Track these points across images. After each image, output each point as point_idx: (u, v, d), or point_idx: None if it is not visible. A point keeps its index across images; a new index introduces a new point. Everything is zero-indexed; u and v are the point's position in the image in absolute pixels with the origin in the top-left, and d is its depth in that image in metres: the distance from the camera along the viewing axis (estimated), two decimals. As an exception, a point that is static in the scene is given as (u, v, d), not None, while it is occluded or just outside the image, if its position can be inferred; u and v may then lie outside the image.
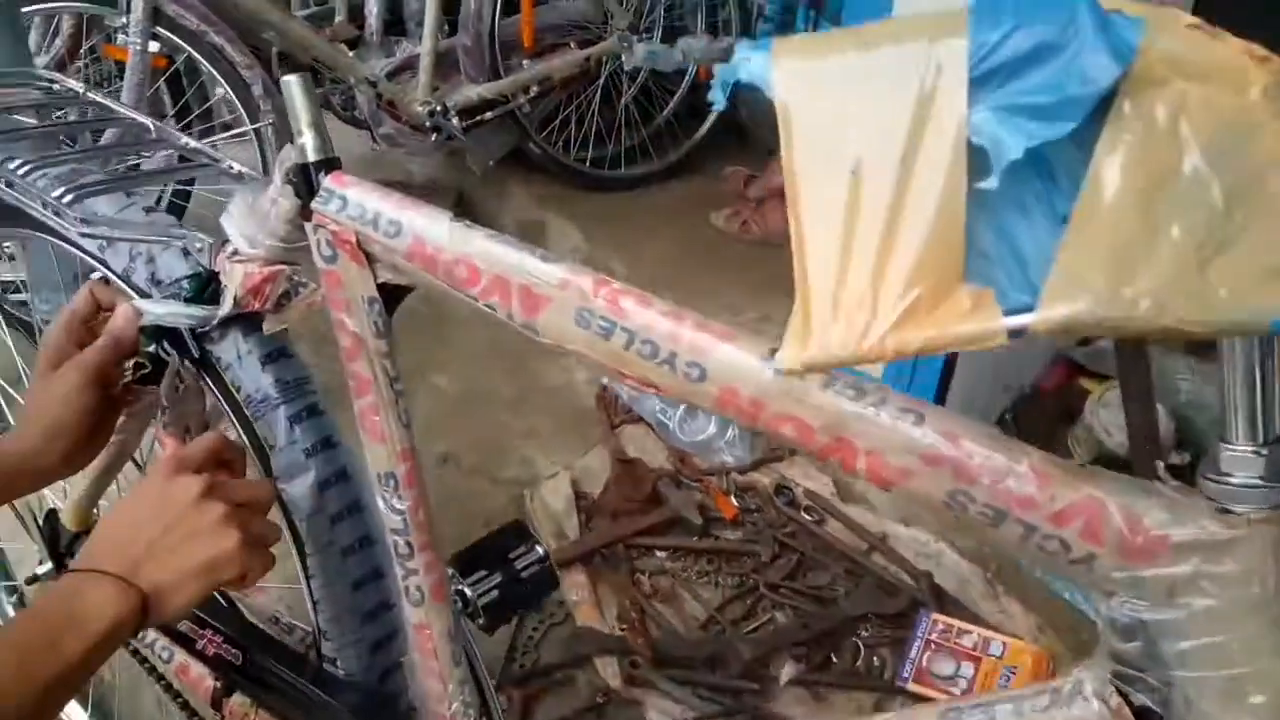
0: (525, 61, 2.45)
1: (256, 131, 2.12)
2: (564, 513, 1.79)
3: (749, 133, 2.83)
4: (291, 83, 0.71)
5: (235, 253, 0.77)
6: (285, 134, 2.12)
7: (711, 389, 0.59)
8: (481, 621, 0.95)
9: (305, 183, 0.73)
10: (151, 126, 0.94)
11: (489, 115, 2.42)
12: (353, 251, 0.72)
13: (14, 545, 1.29)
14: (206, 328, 0.80)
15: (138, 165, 1.11)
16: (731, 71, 0.46)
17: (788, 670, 1.49)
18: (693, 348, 0.60)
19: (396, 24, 2.57)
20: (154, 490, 0.70)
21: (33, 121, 0.93)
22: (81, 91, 0.99)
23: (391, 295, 0.75)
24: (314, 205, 0.72)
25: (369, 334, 0.75)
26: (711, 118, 2.77)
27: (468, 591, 0.93)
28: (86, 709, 1.26)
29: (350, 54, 2.38)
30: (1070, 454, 1.66)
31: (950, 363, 1.54)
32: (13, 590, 1.28)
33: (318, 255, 0.74)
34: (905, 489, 0.55)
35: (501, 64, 2.42)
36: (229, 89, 2.10)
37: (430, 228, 0.68)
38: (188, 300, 0.80)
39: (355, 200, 0.71)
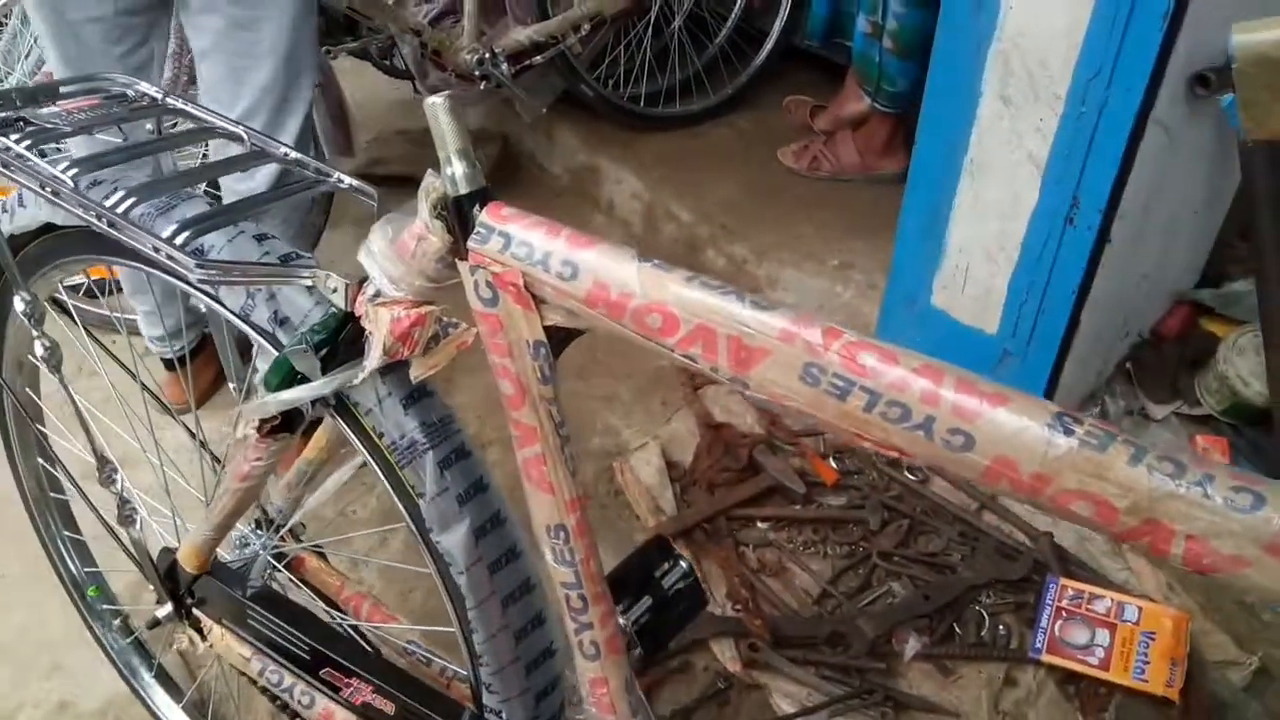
0: (574, -2, 2.31)
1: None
2: (658, 485, 1.73)
3: (811, 59, 2.67)
4: (436, 105, 0.62)
5: (377, 294, 0.69)
6: (331, 99, 2.01)
7: (980, 460, 0.51)
8: (638, 650, 0.89)
9: (457, 217, 0.64)
10: (245, 137, 0.85)
11: (538, 58, 2.29)
12: (518, 294, 0.63)
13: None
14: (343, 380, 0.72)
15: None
16: None
17: (912, 644, 1.44)
18: (957, 411, 0.51)
19: (433, -36, 2.42)
20: None
21: (117, 141, 0.84)
22: (160, 98, 0.89)
23: (559, 337, 0.67)
24: (471, 244, 0.63)
25: (533, 380, 0.67)
26: (768, 45, 2.61)
27: (620, 620, 0.87)
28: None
29: (389, 0, 2.25)
30: (1200, 404, 1.57)
31: (1076, 313, 1.44)
32: (116, 614, 1.24)
33: (475, 297, 0.65)
34: (1236, 578, 0.47)
35: (549, 2, 2.27)
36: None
37: (615, 270, 0.59)
38: (319, 345, 0.72)
39: (520, 238, 0.62)
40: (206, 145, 1.50)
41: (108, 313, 1.94)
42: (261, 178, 1.41)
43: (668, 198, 2.37)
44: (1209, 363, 1.55)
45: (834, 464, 1.73)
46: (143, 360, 1.71)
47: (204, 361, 1.81)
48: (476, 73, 2.24)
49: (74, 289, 2.02)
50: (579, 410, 1.94)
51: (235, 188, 1.45)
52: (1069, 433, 0.49)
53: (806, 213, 2.23)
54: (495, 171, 2.61)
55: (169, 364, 1.81)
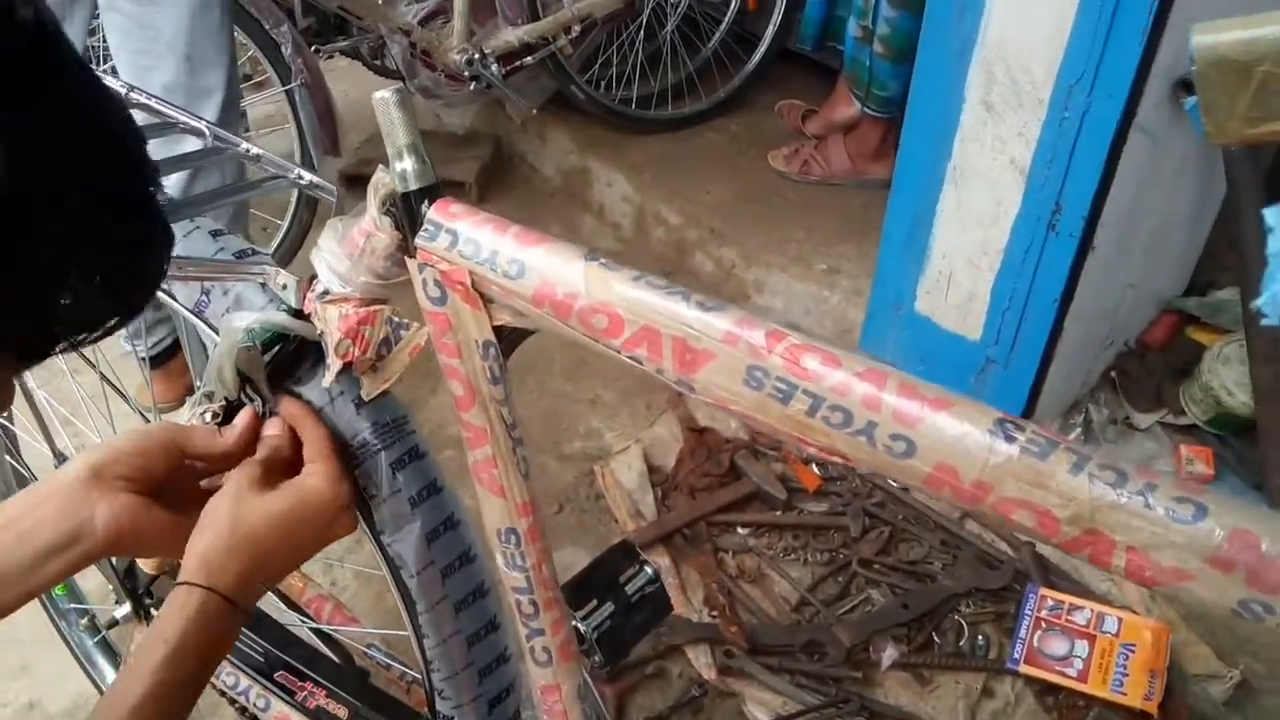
0: (565, -1, 2.30)
1: (288, 93, 1.99)
2: (638, 489, 1.71)
3: (804, 62, 2.67)
4: (387, 99, 0.61)
5: (326, 292, 0.67)
6: (319, 99, 2.00)
7: (922, 466, 0.50)
8: (598, 658, 0.88)
9: (406, 213, 0.63)
10: (206, 132, 0.84)
11: (529, 59, 2.28)
12: (466, 293, 0.62)
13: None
14: (294, 377, 0.71)
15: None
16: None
17: (889, 653, 1.42)
18: (898, 417, 0.50)
19: (425, -36, 2.42)
20: (313, 530, 0.67)
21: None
22: (124, 93, 0.88)
23: (510, 336, 0.65)
24: (419, 241, 0.62)
25: (483, 381, 0.66)
26: (762, 48, 2.60)
27: (580, 626, 0.86)
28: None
29: (379, 0, 2.24)
30: (1185, 413, 1.56)
31: (1059, 321, 1.43)
32: (83, 614, 1.23)
33: (423, 296, 0.64)
34: (1178, 590, 0.46)
35: (540, 3, 2.26)
36: (257, 48, 1.97)
37: (562, 269, 0.58)
38: (266, 347, 0.71)
39: (468, 235, 0.61)
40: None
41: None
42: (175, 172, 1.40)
43: (658, 201, 2.36)
44: (1194, 372, 1.54)
45: (816, 470, 1.71)
46: (142, 360, 1.70)
47: (183, 362, 1.80)
48: (466, 73, 2.23)
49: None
50: (563, 412, 1.93)
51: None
52: (1010, 439, 0.48)
53: (796, 217, 2.22)
54: (487, 172, 2.60)
55: (148, 363, 1.80)
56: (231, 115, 1.54)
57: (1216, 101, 0.63)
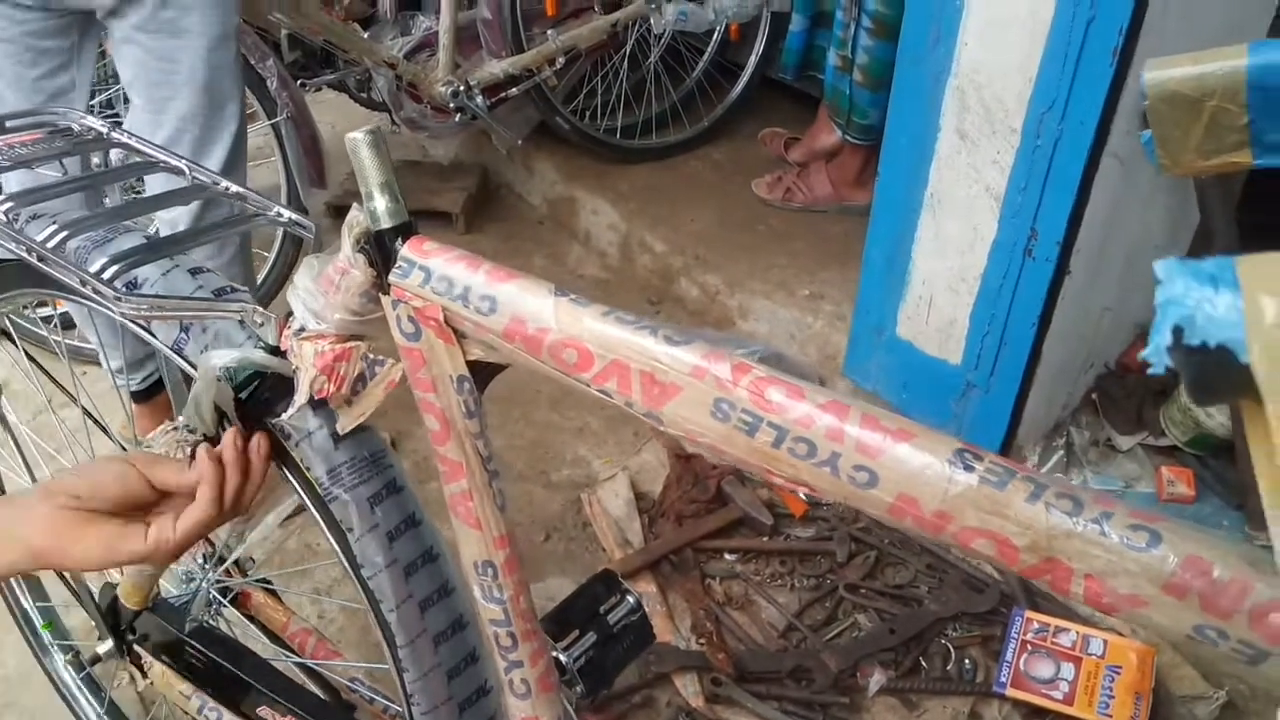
0: (549, 31, 2.32)
1: (274, 126, 2.01)
2: (625, 517, 1.72)
3: (786, 91, 2.70)
4: (357, 140, 0.62)
5: (303, 329, 0.68)
6: (304, 132, 2.02)
7: (884, 497, 0.51)
8: (580, 689, 0.88)
9: (380, 251, 0.64)
10: (187, 170, 0.85)
11: (514, 91, 2.31)
12: (439, 329, 0.63)
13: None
14: (273, 411, 0.71)
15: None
16: (1177, 316, 0.33)
17: (877, 678, 1.42)
18: (860, 448, 0.51)
19: (410, -1, 2.45)
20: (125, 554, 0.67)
21: (57, 175, 0.84)
22: (105, 132, 0.89)
23: (483, 371, 0.66)
24: (392, 279, 0.63)
25: (458, 415, 0.67)
26: (744, 78, 2.64)
27: (561, 657, 0.86)
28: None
29: (364, 34, 2.26)
30: (1164, 435, 1.57)
31: (1038, 345, 1.45)
32: (67, 650, 1.23)
33: (398, 331, 0.65)
34: (1135, 616, 0.47)
35: (524, 35, 2.29)
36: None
37: (532, 305, 0.59)
38: (246, 380, 0.72)
39: (440, 272, 0.62)
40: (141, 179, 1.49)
41: (79, 344, 1.95)
42: (182, 209, 1.41)
43: (643, 228, 2.38)
44: (1173, 394, 1.55)
45: (803, 495, 1.72)
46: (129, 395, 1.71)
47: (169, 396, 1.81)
48: (452, 105, 2.26)
49: (47, 320, 2.02)
50: (550, 441, 1.93)
51: (161, 216, 1.47)
52: (969, 469, 0.49)
53: (779, 244, 2.24)
54: (474, 202, 2.62)
55: (135, 397, 1.80)
56: (240, 148, 1.56)
57: (1169, 135, 0.64)
